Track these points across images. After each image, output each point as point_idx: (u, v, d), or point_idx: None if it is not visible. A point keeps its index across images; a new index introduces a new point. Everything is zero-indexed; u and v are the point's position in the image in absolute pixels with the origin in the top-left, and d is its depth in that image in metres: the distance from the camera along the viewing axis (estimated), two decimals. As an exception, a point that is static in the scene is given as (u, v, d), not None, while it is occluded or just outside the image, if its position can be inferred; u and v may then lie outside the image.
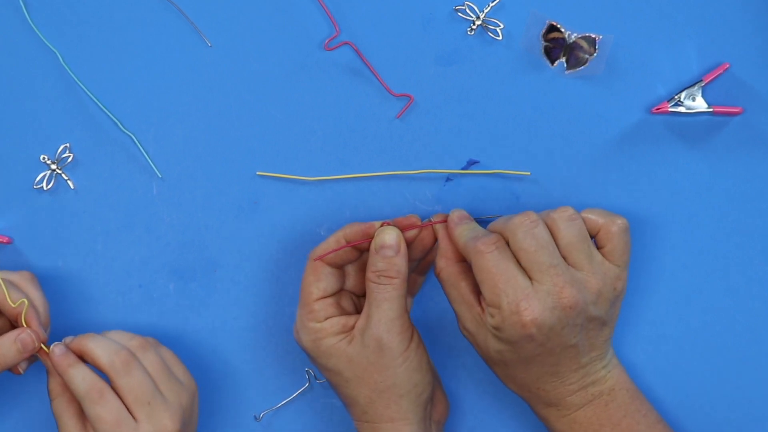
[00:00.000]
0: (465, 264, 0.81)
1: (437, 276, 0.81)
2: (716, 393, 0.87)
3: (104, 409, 0.77)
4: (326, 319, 0.81)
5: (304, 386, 0.89)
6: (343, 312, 0.83)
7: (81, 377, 0.78)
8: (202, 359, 0.89)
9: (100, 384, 0.78)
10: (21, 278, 0.82)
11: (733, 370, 0.87)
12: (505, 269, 0.76)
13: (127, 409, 0.78)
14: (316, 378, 0.89)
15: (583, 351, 0.79)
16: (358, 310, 0.85)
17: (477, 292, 0.80)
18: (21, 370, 0.81)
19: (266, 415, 0.89)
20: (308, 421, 0.90)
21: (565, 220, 0.78)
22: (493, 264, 0.76)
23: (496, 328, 0.77)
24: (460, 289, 0.80)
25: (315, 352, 0.82)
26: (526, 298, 0.75)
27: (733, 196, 0.87)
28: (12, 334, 0.79)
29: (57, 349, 0.80)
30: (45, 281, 0.87)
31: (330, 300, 0.82)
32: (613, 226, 0.79)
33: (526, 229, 0.77)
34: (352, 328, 0.81)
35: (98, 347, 0.79)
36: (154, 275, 0.89)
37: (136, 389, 0.78)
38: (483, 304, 0.79)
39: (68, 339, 0.81)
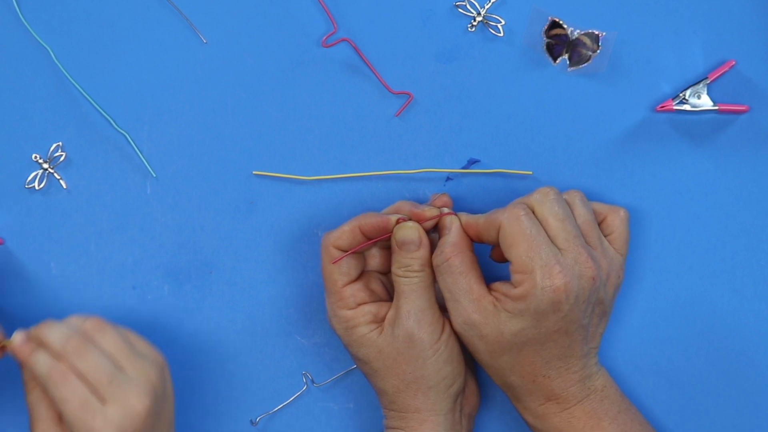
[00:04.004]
0: (474, 255, 0.81)
1: (443, 264, 0.80)
2: (720, 395, 0.87)
3: (67, 390, 0.76)
4: (358, 305, 0.82)
5: (302, 389, 0.89)
6: (373, 294, 0.84)
7: (42, 362, 0.77)
8: (197, 362, 0.89)
9: (61, 367, 0.77)
10: None
11: (738, 372, 0.87)
12: (537, 233, 0.77)
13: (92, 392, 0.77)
14: (313, 381, 0.88)
15: (588, 336, 0.80)
16: (387, 291, 0.85)
17: (484, 282, 0.80)
18: None
19: (263, 419, 0.89)
20: (305, 425, 0.89)
21: (580, 200, 0.81)
22: (528, 226, 0.77)
23: (522, 298, 0.77)
24: (470, 278, 0.80)
25: (346, 340, 0.82)
26: (558, 263, 0.76)
27: (739, 195, 0.87)
28: None
29: (17, 338, 0.79)
30: (36, 282, 0.87)
31: (358, 285, 0.83)
32: (617, 216, 0.82)
33: (553, 198, 0.79)
34: (384, 318, 0.81)
35: (51, 334, 0.78)
36: (149, 277, 0.89)
37: (93, 370, 0.77)
38: (493, 288, 0.79)
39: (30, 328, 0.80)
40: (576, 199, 0.81)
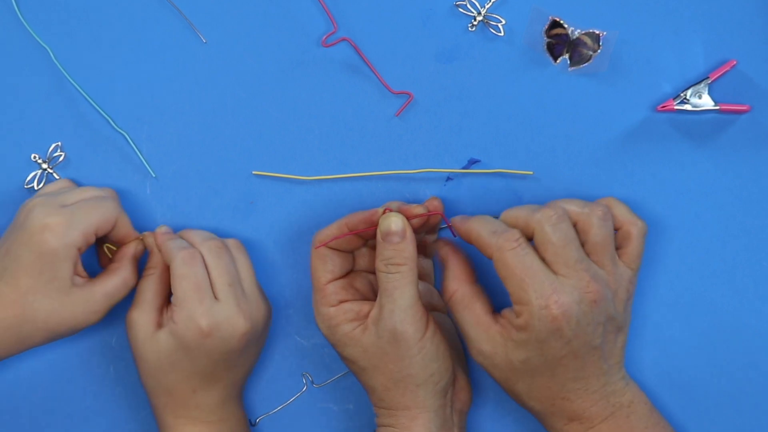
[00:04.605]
0: (477, 285, 0.81)
1: (449, 300, 0.81)
2: (722, 396, 0.87)
3: (191, 270, 0.81)
4: (339, 303, 0.81)
5: (302, 390, 0.88)
6: (358, 293, 0.83)
7: (178, 243, 0.83)
8: (197, 363, 0.88)
9: (195, 252, 0.82)
10: (108, 193, 0.85)
11: (739, 373, 0.87)
12: (530, 264, 0.76)
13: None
14: (313, 382, 0.88)
15: (605, 354, 0.79)
16: (374, 291, 0.84)
17: (491, 311, 0.80)
18: None
19: (263, 419, 0.89)
20: (305, 425, 0.89)
21: (599, 219, 0.79)
22: (519, 259, 0.76)
23: (523, 329, 0.76)
24: (475, 310, 0.79)
25: (331, 340, 0.82)
26: (555, 292, 0.75)
27: (740, 195, 0.86)
28: (127, 255, 0.85)
29: (161, 228, 0.86)
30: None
31: (342, 282, 0.82)
32: (634, 229, 0.81)
33: (554, 223, 0.77)
34: (366, 316, 0.81)
35: (194, 233, 0.85)
36: (148, 277, 0.88)
37: (220, 269, 0.82)
38: (501, 316, 0.79)
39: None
40: (594, 217, 0.79)
